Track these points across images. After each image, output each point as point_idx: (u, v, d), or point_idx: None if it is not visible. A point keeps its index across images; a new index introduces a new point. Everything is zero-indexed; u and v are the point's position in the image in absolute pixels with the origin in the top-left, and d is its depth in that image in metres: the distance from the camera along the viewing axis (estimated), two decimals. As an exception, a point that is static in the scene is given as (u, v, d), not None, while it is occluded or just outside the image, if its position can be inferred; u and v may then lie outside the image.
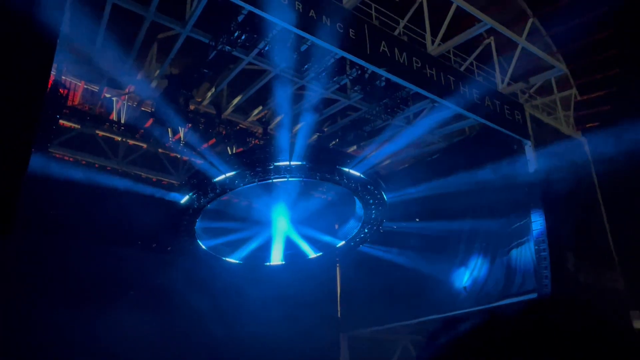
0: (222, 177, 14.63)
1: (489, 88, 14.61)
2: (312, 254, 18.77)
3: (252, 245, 18.08)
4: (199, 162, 15.79)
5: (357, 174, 15.38)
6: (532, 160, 14.86)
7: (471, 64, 15.12)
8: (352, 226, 18.58)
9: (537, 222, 14.21)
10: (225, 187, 14.93)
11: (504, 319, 0.72)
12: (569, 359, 0.62)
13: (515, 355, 0.64)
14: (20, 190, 7.02)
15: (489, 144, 16.09)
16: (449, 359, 0.66)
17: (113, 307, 14.42)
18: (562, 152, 15.36)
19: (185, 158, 17.77)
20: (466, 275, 16.70)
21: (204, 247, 17.06)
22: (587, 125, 17.44)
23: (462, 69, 14.56)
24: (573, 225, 13.73)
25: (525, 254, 15.05)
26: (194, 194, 15.02)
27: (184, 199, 15.22)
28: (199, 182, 14.96)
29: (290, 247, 18.60)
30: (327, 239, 18.85)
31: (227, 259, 17.70)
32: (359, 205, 17.35)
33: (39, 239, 13.95)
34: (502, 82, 15.08)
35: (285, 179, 15.17)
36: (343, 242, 18.79)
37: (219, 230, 17.43)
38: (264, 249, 18.27)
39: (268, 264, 18.22)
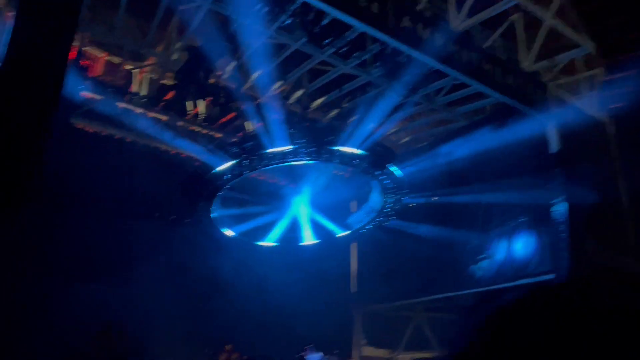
0: (275, 150, 14.57)
1: (512, 66, 14.33)
2: (310, 240, 18.79)
3: (258, 223, 18.15)
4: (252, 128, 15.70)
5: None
6: (553, 141, 14.63)
7: (495, 41, 14.79)
8: (366, 210, 18.55)
9: (557, 204, 14.07)
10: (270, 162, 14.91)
11: (545, 295, 0.73)
12: (591, 340, 0.62)
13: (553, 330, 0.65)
14: (43, 161, 7.17)
15: (510, 124, 15.84)
16: (489, 334, 0.66)
17: (133, 281, 14.72)
18: (586, 133, 15.07)
19: (204, 131, 17.85)
20: (483, 254, 16.69)
21: (219, 225, 17.21)
22: (613, 106, 17.02)
23: (485, 45, 14.28)
24: (593, 208, 13.55)
25: (543, 234, 14.96)
26: (238, 160, 14.92)
27: (224, 166, 15.06)
28: (246, 150, 14.89)
29: (296, 230, 18.68)
30: (332, 226, 18.84)
31: (233, 234, 17.74)
32: (374, 185, 17.32)
33: (59, 210, 14.15)
34: (527, 60, 14.75)
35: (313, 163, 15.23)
36: (348, 232, 18.85)
37: (235, 206, 17.55)
38: (270, 229, 18.39)
39: (259, 243, 18.33)
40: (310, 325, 16.81)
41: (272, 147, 14.52)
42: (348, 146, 14.83)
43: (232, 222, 17.76)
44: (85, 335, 13.10)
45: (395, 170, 15.74)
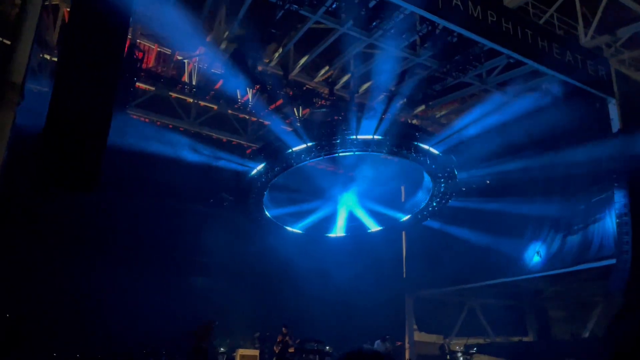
0: (298, 148, 14.88)
1: (570, 42, 13.66)
2: (373, 227, 18.91)
3: (315, 217, 18.47)
4: (271, 131, 16.09)
5: (435, 152, 15.25)
6: (615, 119, 13.89)
7: (551, 16, 14.12)
8: (420, 199, 18.39)
9: (621, 191, 13.37)
10: (296, 160, 15.18)
11: None
12: None
13: None
14: (105, 150, 7.45)
15: (569, 104, 15.15)
16: None
17: (180, 269, 15.27)
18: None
19: (254, 119, 18.08)
20: (538, 243, 16.21)
21: (270, 216, 17.57)
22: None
23: (541, 21, 13.66)
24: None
25: (604, 224, 14.37)
26: (264, 167, 15.34)
27: (254, 172, 15.54)
28: (270, 154, 15.22)
29: (353, 220, 18.84)
30: (391, 212, 18.89)
31: (289, 229, 18.11)
32: (427, 178, 17.14)
33: (114, 197, 14.61)
34: (586, 35, 14.01)
35: (354, 153, 15.36)
36: (408, 216, 18.78)
37: (285, 199, 17.86)
38: (328, 221, 18.65)
39: (329, 235, 18.57)
40: (365, 311, 16.94)
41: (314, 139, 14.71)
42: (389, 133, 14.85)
43: (290, 218, 18.20)
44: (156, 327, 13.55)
45: (432, 149, 15.59)
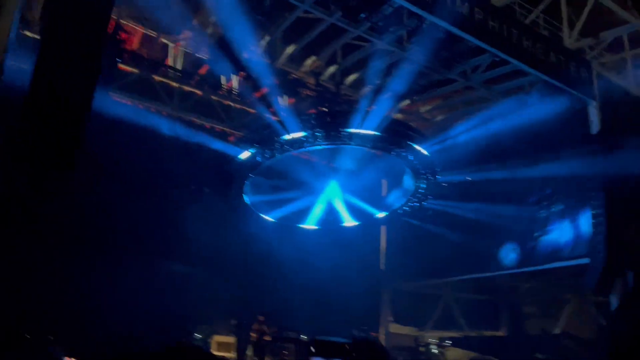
0: (294, 135, 14.66)
1: (554, 43, 13.85)
2: (350, 221, 18.88)
3: (294, 207, 18.27)
4: (266, 116, 15.86)
5: (425, 152, 15.33)
6: (595, 122, 14.16)
7: (537, 16, 14.29)
8: (398, 197, 18.43)
9: (597, 189, 13.67)
10: (289, 147, 15.03)
11: None
12: None
13: None
14: (85, 129, 7.35)
15: (550, 104, 15.38)
16: None
17: (157, 254, 15.02)
18: (630, 114, 14.51)
19: (238, 106, 17.95)
20: (515, 242, 16.50)
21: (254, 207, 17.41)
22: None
23: (527, 21, 13.81)
24: (635, 191, 13.11)
25: (578, 225, 14.67)
26: (257, 150, 15.11)
27: (245, 154, 15.26)
28: (264, 139, 15.01)
29: (331, 213, 18.78)
30: (371, 206, 18.84)
31: (267, 217, 17.95)
32: (409, 176, 17.15)
33: (90, 179, 14.17)
34: (570, 37, 14.23)
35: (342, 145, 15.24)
36: (384, 213, 18.84)
37: (266, 187, 17.70)
38: (306, 212, 18.52)
39: (303, 226, 18.46)
40: (343, 301, 17.02)
41: (301, 129, 14.58)
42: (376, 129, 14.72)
43: (268, 207, 18.01)
44: (135, 314, 13.32)
45: (421, 149, 15.55)
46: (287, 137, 14.80)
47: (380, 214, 18.92)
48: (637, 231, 13.26)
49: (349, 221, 18.78)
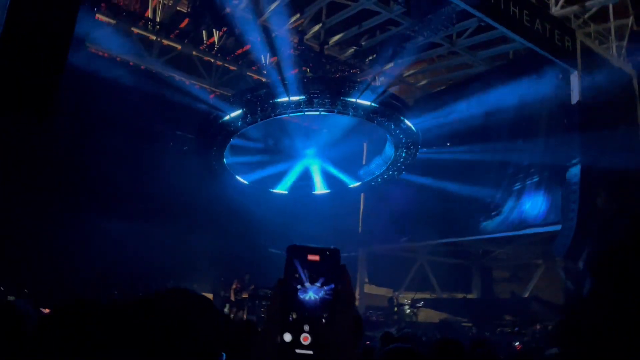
0: (293, 98, 14.21)
1: (540, 9, 13.78)
2: (320, 189, 18.82)
3: (271, 170, 18.06)
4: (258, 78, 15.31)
5: (412, 126, 15.15)
6: (575, 91, 14.27)
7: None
8: (376, 166, 18.39)
9: (573, 157, 13.92)
10: (281, 110, 14.62)
11: None
12: None
13: None
14: (60, 79, 7.12)
15: (532, 71, 15.47)
16: None
17: (134, 213, 14.83)
18: (609, 85, 14.67)
19: (219, 62, 17.57)
20: (494, 203, 16.80)
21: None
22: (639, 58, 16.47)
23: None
24: (610, 162, 13.41)
25: (555, 187, 14.96)
26: (251, 108, 14.71)
27: (234, 114, 14.81)
28: (255, 99, 14.59)
29: (306, 179, 18.69)
30: (349, 174, 18.76)
31: (241, 180, 17.76)
32: (389, 146, 17.08)
33: (62, 130, 13.69)
34: (556, 4, 14.17)
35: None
36: (358, 183, 18.91)
37: (244, 151, 17.44)
38: (282, 176, 18.38)
39: (273, 190, 18.33)
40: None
41: (286, 93, 14.15)
42: (363, 96, 14.42)
43: (245, 169, 17.77)
44: (102, 269, 13.17)
45: (410, 124, 15.44)
46: (282, 99, 14.31)
47: (353, 185, 18.89)
48: (607, 199, 13.64)
49: (320, 189, 18.71)
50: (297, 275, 0.87)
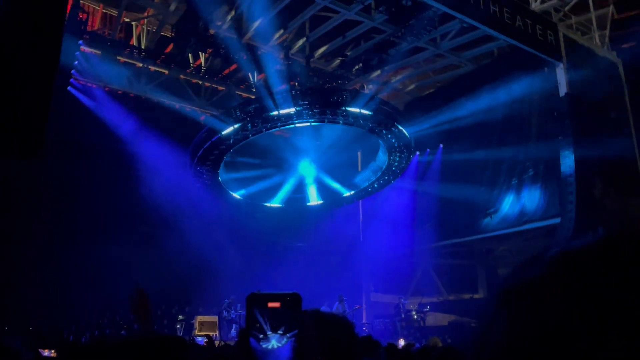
0: (286, 111, 14.15)
1: (520, 6, 13.88)
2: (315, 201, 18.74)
3: (266, 184, 17.93)
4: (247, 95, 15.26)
5: (406, 133, 15.17)
6: (562, 84, 14.34)
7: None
8: (368, 175, 18.37)
9: (566, 148, 13.95)
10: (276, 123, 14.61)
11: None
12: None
13: None
14: (48, 117, 7.12)
15: (518, 67, 15.54)
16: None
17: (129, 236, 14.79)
18: (596, 75, 14.74)
19: (207, 84, 17.62)
20: (490, 202, 16.81)
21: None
22: (623, 46, 16.57)
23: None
24: (603, 151, 13.44)
25: (551, 180, 14.97)
26: (242, 124, 14.59)
27: (228, 130, 14.75)
28: (249, 114, 14.48)
29: (300, 191, 18.59)
30: (339, 186, 18.70)
31: (234, 194, 17.71)
32: (382, 153, 17.09)
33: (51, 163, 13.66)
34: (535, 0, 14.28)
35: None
36: (352, 192, 18.86)
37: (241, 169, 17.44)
38: (276, 189, 18.30)
39: (268, 204, 18.29)
40: (326, 273, 17.18)
41: (275, 107, 14.14)
42: (353, 104, 14.42)
43: (239, 184, 17.72)
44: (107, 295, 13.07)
45: (402, 128, 15.42)
46: (274, 113, 14.25)
47: (347, 194, 18.81)
48: (604, 190, 13.65)
49: (314, 200, 18.64)
50: (258, 325, 0.86)
